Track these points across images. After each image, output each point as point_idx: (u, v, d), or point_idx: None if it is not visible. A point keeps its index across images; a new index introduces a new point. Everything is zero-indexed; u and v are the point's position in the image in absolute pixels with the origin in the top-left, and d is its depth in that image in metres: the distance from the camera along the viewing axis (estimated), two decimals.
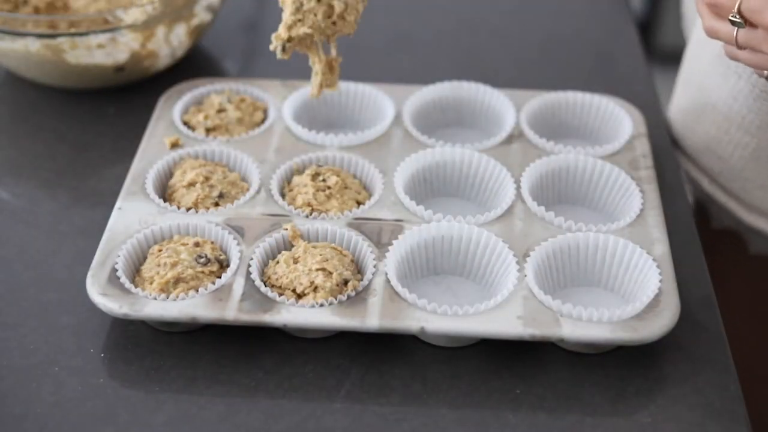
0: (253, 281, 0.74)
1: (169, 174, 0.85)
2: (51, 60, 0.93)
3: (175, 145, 0.87)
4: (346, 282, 0.74)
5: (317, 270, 0.74)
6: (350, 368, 0.73)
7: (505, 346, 0.74)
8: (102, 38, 0.92)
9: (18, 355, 0.74)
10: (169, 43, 0.97)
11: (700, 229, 0.87)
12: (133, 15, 0.92)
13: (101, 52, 0.93)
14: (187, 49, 1.01)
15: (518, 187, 0.82)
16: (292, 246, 0.78)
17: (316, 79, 0.84)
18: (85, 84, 0.98)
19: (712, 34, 0.73)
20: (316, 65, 0.84)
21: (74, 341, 0.75)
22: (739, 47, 0.71)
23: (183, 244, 0.77)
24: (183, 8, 0.95)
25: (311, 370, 0.73)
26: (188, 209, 0.81)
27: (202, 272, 0.75)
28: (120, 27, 0.92)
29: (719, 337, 0.76)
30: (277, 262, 0.76)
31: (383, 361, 0.74)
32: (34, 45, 0.92)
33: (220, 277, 0.75)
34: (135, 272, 0.77)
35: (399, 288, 0.73)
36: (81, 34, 0.91)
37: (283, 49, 0.81)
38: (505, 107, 0.91)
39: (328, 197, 0.81)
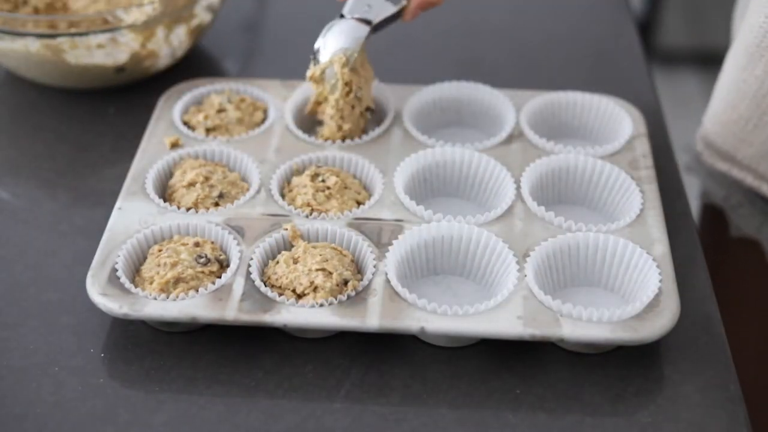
0: (253, 281, 0.74)
1: (169, 174, 0.85)
2: (51, 60, 0.93)
3: (175, 145, 0.87)
4: (346, 282, 0.74)
5: (317, 270, 0.74)
6: (350, 368, 0.73)
7: (505, 346, 0.74)
8: (102, 38, 0.92)
9: (18, 355, 0.74)
10: (170, 43, 0.97)
11: (717, 236, 0.86)
12: (133, 15, 0.92)
13: (101, 52, 0.93)
14: (187, 49, 1.01)
15: (518, 187, 0.82)
16: (292, 246, 0.78)
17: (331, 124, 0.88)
18: (86, 84, 0.98)
19: None
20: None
21: (74, 341, 0.75)
22: None
23: (183, 244, 0.77)
24: (183, 9, 0.95)
25: (311, 370, 0.73)
26: (188, 209, 0.81)
27: (202, 272, 0.75)
28: (120, 27, 0.92)
29: (719, 337, 0.76)
30: (277, 263, 0.76)
31: (383, 361, 0.74)
32: (34, 45, 0.92)
33: (220, 277, 0.75)
34: (135, 272, 0.77)
35: (399, 288, 0.73)
36: (81, 34, 0.91)
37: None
38: (505, 107, 0.91)
39: (328, 197, 0.81)
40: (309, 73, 0.86)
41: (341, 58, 0.85)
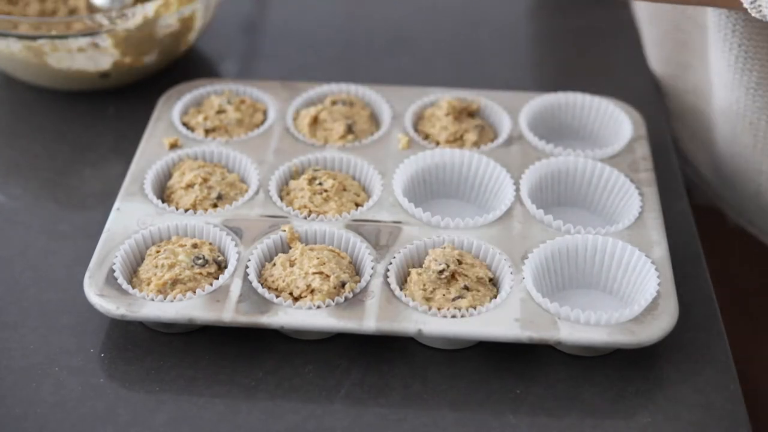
0: (251, 283, 0.74)
1: (168, 175, 0.85)
2: (34, 63, 0.93)
3: (174, 146, 0.87)
4: (343, 284, 0.74)
5: (314, 273, 0.73)
6: (350, 368, 0.73)
7: (506, 347, 0.74)
8: (83, 42, 0.91)
9: (18, 355, 0.74)
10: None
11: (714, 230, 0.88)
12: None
13: (82, 56, 0.92)
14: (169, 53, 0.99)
15: (517, 189, 0.82)
16: (290, 248, 0.77)
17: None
18: (74, 87, 0.97)
19: None
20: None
21: (74, 341, 0.75)
22: None
23: (181, 246, 0.77)
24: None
25: (311, 371, 0.73)
26: (186, 210, 0.81)
27: (200, 273, 0.75)
28: (101, 32, 0.90)
29: (719, 337, 0.76)
30: (274, 265, 0.76)
31: (383, 361, 0.74)
32: (15, 46, 0.91)
33: (217, 278, 0.75)
34: (132, 273, 0.77)
35: (397, 290, 0.73)
36: (60, 37, 0.90)
37: None
38: (504, 109, 0.91)
39: (326, 200, 0.81)
40: None
41: None
